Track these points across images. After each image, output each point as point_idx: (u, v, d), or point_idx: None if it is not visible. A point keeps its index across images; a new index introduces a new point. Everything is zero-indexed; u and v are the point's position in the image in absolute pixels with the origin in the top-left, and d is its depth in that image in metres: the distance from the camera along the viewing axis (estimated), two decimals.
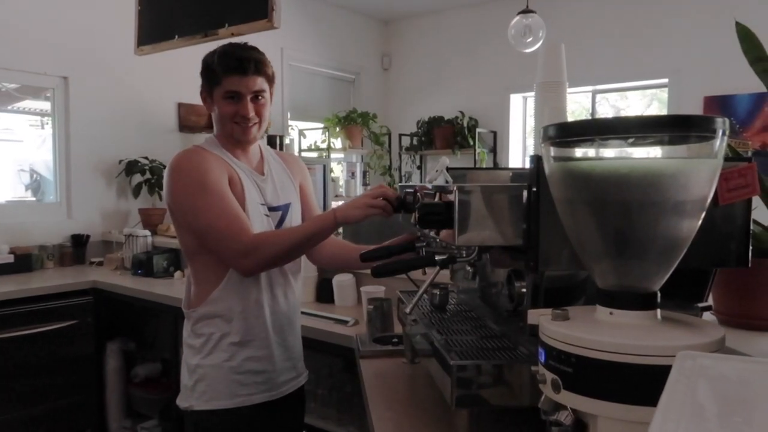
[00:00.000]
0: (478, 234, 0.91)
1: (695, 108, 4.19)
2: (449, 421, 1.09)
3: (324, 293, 2.36)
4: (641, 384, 0.65)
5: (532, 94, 5.20)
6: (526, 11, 3.12)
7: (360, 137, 5.23)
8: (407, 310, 1.04)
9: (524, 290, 0.97)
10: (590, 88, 4.88)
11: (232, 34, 2.25)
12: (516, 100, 5.26)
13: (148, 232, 3.26)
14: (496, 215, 0.91)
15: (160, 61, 3.73)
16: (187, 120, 4.08)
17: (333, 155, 5.14)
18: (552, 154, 0.75)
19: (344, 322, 2.00)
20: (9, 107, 3.58)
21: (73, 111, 3.50)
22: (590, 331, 0.69)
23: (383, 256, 1.29)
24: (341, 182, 5.38)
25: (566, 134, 0.72)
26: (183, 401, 1.51)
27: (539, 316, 0.79)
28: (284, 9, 2.26)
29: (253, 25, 2.17)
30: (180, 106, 4.04)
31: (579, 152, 0.73)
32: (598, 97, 5.02)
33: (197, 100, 4.47)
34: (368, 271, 2.32)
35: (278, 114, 4.71)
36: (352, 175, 5.39)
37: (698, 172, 0.69)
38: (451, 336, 1.07)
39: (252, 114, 1.46)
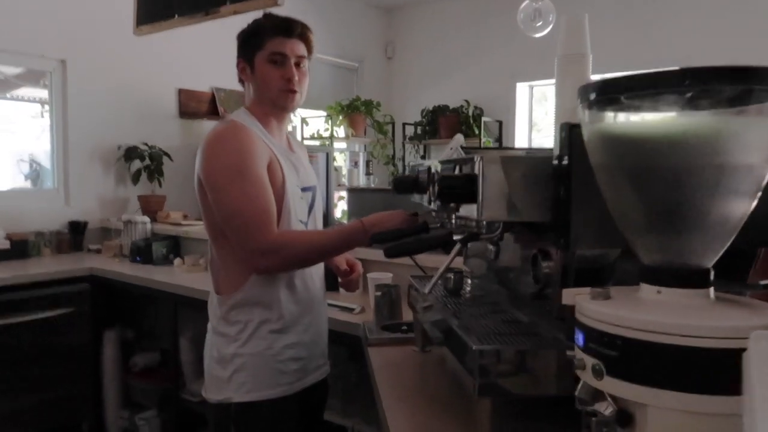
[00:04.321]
0: (503, 209, 0.84)
1: None
2: (467, 412, 1.02)
3: (328, 280, 2.27)
4: (699, 369, 0.57)
5: (539, 82, 5.07)
6: None
7: (363, 126, 5.14)
8: (426, 290, 0.97)
9: (551, 271, 0.90)
10: (598, 76, 4.77)
11: (234, 12, 2.18)
12: (522, 89, 5.17)
13: (147, 219, 3.19)
14: (523, 188, 0.84)
15: (161, 46, 3.66)
16: (188, 106, 3.99)
17: (336, 144, 5.06)
18: (592, 116, 0.68)
19: (350, 310, 1.94)
20: (8, 95, 3.50)
21: (71, 95, 3.42)
22: (639, 310, 0.62)
23: (395, 237, 1.22)
24: (344, 172, 5.30)
25: (611, 91, 0.65)
26: (215, 394, 1.41)
27: (575, 296, 0.72)
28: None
29: (255, 3, 2.10)
30: (180, 92, 3.95)
31: (622, 114, 0.66)
32: None
33: (198, 87, 4.40)
34: (375, 258, 2.26)
35: None
36: (355, 164, 5.31)
37: (763, 133, 0.61)
38: (469, 320, 1.00)
39: (297, 78, 1.41)
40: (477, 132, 4.99)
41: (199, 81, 4.04)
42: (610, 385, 0.63)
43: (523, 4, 3.09)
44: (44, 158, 3.55)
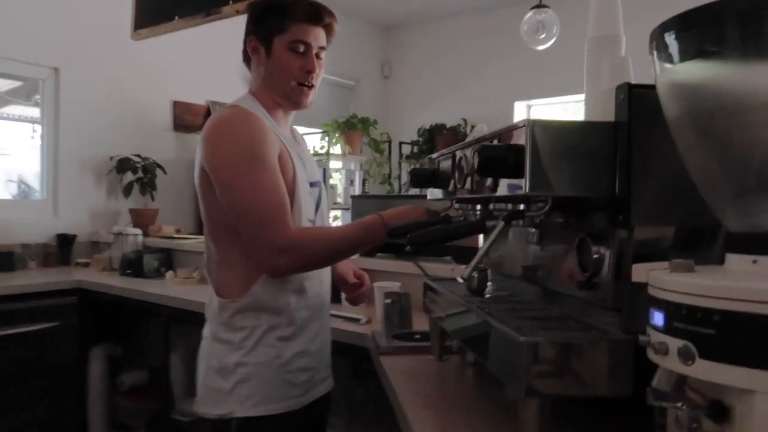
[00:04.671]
0: (553, 182, 0.74)
1: None
2: (504, 417, 0.91)
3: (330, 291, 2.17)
4: None
5: (537, 101, 5.00)
6: (540, 6, 3.01)
7: (360, 144, 5.07)
8: (465, 275, 0.86)
9: (604, 255, 0.80)
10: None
11: (237, 12, 2.10)
12: (520, 107, 5.14)
13: (138, 231, 3.07)
14: (576, 159, 0.75)
15: (156, 56, 3.58)
16: (183, 119, 3.90)
17: (332, 163, 4.98)
18: (667, 62, 0.59)
19: (356, 320, 1.82)
20: None
21: (64, 104, 3.31)
22: (742, 280, 0.53)
23: (413, 230, 1.12)
24: (339, 190, 5.21)
25: (694, 24, 0.56)
26: (214, 408, 1.26)
27: (649, 271, 0.62)
28: None
29: None
30: (176, 104, 3.87)
31: (708, 53, 0.57)
32: None
33: (193, 99, 4.31)
34: (380, 267, 2.15)
35: None
36: (351, 182, 5.23)
37: None
38: (505, 316, 0.90)
39: (317, 71, 1.30)
40: None
41: (195, 94, 3.96)
42: (705, 369, 0.53)
43: (527, 16, 3.05)
44: (33, 179, 3.43)
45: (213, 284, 1.32)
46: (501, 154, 0.76)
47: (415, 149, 5.33)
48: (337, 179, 5.32)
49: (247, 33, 1.33)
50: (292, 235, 1.18)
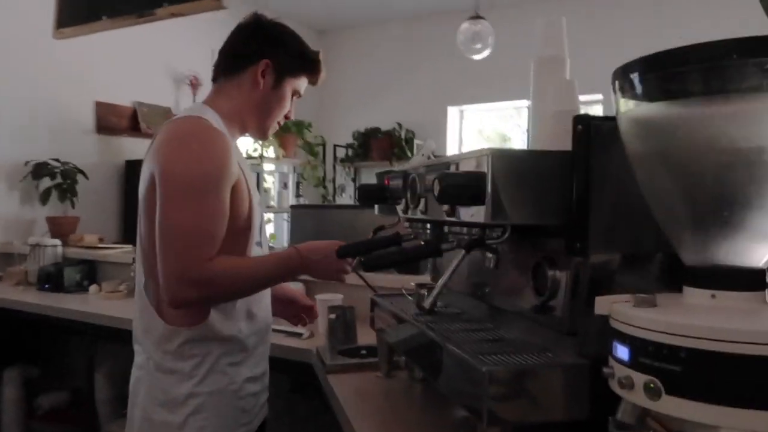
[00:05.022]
0: (515, 210, 0.75)
1: None
2: None
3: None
4: None
5: (468, 107, 5.07)
6: (476, 17, 3.06)
7: (294, 147, 4.99)
8: (426, 305, 0.85)
9: (559, 280, 0.81)
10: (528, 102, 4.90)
11: (172, 15, 2.00)
12: (453, 112, 5.23)
13: (58, 242, 2.86)
14: (535, 188, 0.75)
15: (77, 54, 3.36)
16: (106, 120, 3.68)
17: (265, 166, 4.87)
18: (631, 101, 0.60)
19: (298, 335, 1.77)
20: None
21: None
22: (705, 317, 0.54)
23: (368, 250, 1.10)
24: (273, 193, 5.11)
25: (657, 68, 0.57)
26: None
27: (612, 304, 0.63)
28: (214, 13, 2.01)
29: (197, 5, 1.93)
30: (98, 105, 3.64)
31: (668, 96, 0.59)
32: None
33: (117, 100, 4.06)
34: (318, 279, 2.11)
35: None
36: (285, 186, 5.14)
37: None
38: (459, 339, 0.89)
39: None
40: (409, 155, 4.97)
41: (119, 94, 3.75)
42: (671, 405, 0.54)
43: (463, 26, 3.10)
44: None
45: (155, 307, 1.21)
46: (463, 181, 0.75)
47: (350, 152, 5.32)
48: (270, 183, 5.21)
49: (260, 52, 1.26)
50: (209, 268, 1.10)
